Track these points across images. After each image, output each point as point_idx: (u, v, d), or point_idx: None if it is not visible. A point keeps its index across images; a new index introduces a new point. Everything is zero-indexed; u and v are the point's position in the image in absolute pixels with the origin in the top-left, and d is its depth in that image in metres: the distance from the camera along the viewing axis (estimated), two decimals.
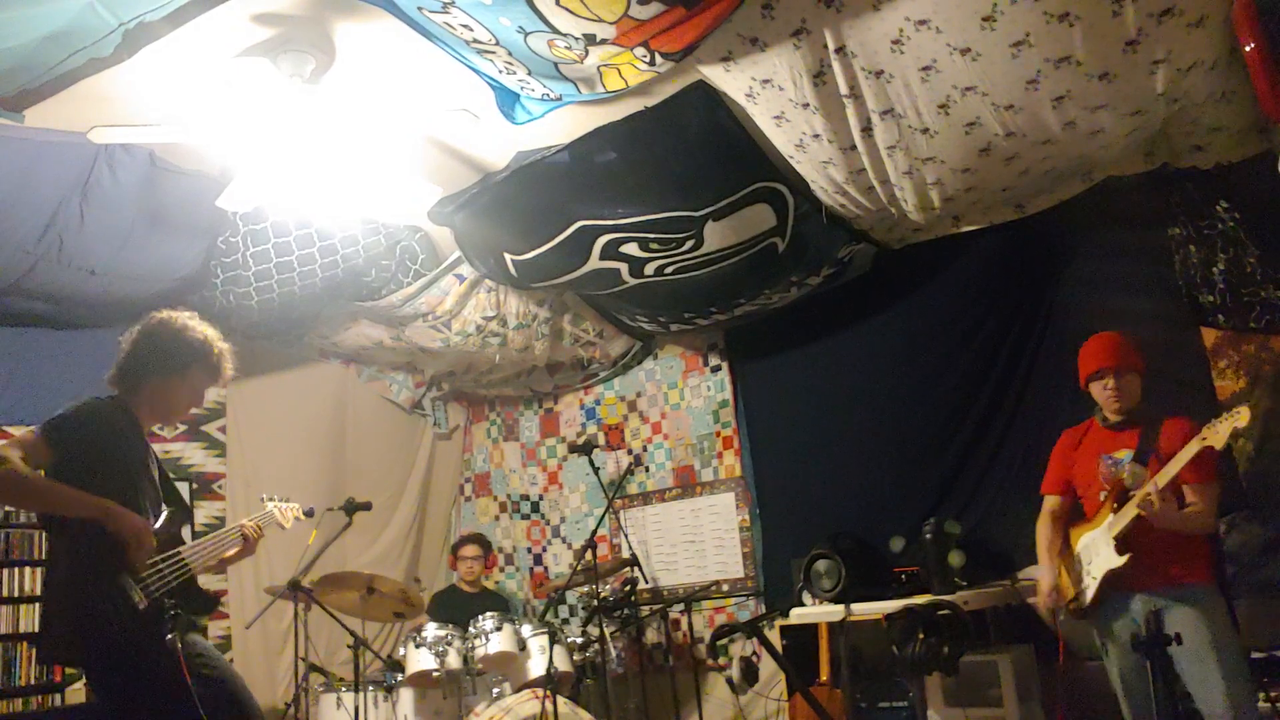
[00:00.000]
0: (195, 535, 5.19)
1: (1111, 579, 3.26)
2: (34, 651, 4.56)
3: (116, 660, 2.63)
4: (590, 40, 3.10)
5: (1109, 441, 3.45)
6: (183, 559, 2.83)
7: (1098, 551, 3.33)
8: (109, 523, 2.60)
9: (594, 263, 4.72)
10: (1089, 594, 3.33)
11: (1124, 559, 3.20)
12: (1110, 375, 3.41)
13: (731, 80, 3.52)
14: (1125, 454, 3.35)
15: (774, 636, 4.82)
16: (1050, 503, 3.63)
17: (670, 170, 4.10)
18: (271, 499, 3.53)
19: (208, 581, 4.49)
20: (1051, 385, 4.60)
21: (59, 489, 2.59)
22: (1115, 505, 3.29)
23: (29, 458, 2.60)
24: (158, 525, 2.81)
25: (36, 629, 4.59)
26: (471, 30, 3.11)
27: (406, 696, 4.62)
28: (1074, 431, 3.64)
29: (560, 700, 4.25)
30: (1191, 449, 3.08)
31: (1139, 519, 3.15)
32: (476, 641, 4.70)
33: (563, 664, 4.69)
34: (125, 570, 2.59)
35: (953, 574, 4.45)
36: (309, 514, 3.48)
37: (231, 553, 3.15)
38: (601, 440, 6.33)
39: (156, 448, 5.17)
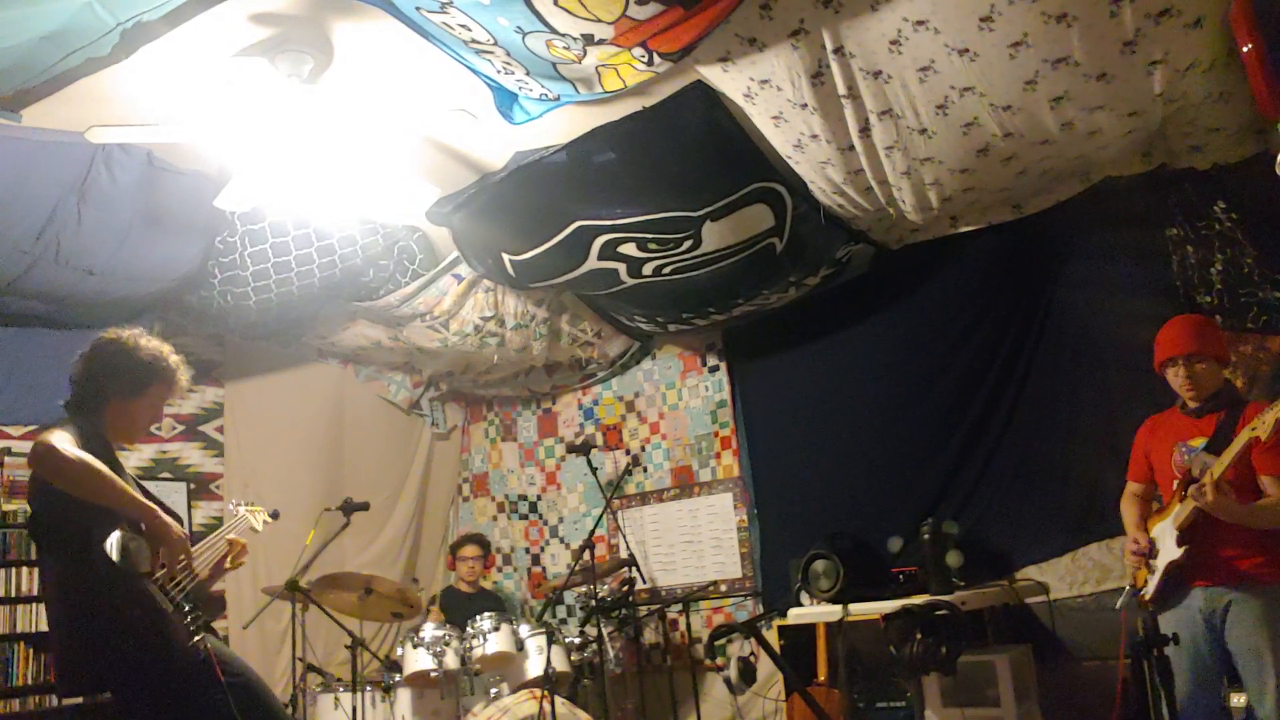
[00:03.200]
0: (191, 537, 5.21)
1: (1174, 571, 3.17)
2: (30, 651, 4.56)
3: (151, 670, 2.57)
4: (588, 40, 3.10)
5: (1186, 429, 3.29)
6: (191, 566, 2.82)
7: (1164, 543, 3.24)
8: (153, 525, 2.57)
9: (592, 263, 4.72)
10: (1152, 586, 3.24)
11: (1181, 551, 3.12)
12: (1181, 363, 3.26)
13: (730, 80, 3.53)
14: (1200, 442, 3.20)
15: (772, 637, 4.82)
16: (1131, 488, 3.51)
17: (668, 170, 4.10)
18: (239, 503, 3.49)
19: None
20: (1049, 385, 4.61)
21: (118, 482, 2.53)
22: (1182, 495, 3.16)
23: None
24: None
25: (35, 629, 4.59)
26: (470, 30, 3.11)
27: (404, 697, 4.62)
28: (1156, 417, 3.47)
29: (558, 700, 4.25)
30: (1242, 438, 2.99)
31: (1200, 511, 3.05)
32: (474, 642, 4.70)
33: (560, 664, 4.69)
34: (145, 576, 2.55)
35: (950, 574, 4.45)
36: (274, 516, 3.45)
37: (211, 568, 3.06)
38: (599, 440, 6.33)
39: (154, 447, 5.26)
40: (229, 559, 3.04)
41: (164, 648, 2.54)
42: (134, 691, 2.64)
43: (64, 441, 2.51)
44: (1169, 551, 3.20)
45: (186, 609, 2.63)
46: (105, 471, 2.53)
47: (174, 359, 2.97)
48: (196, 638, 2.57)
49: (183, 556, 2.64)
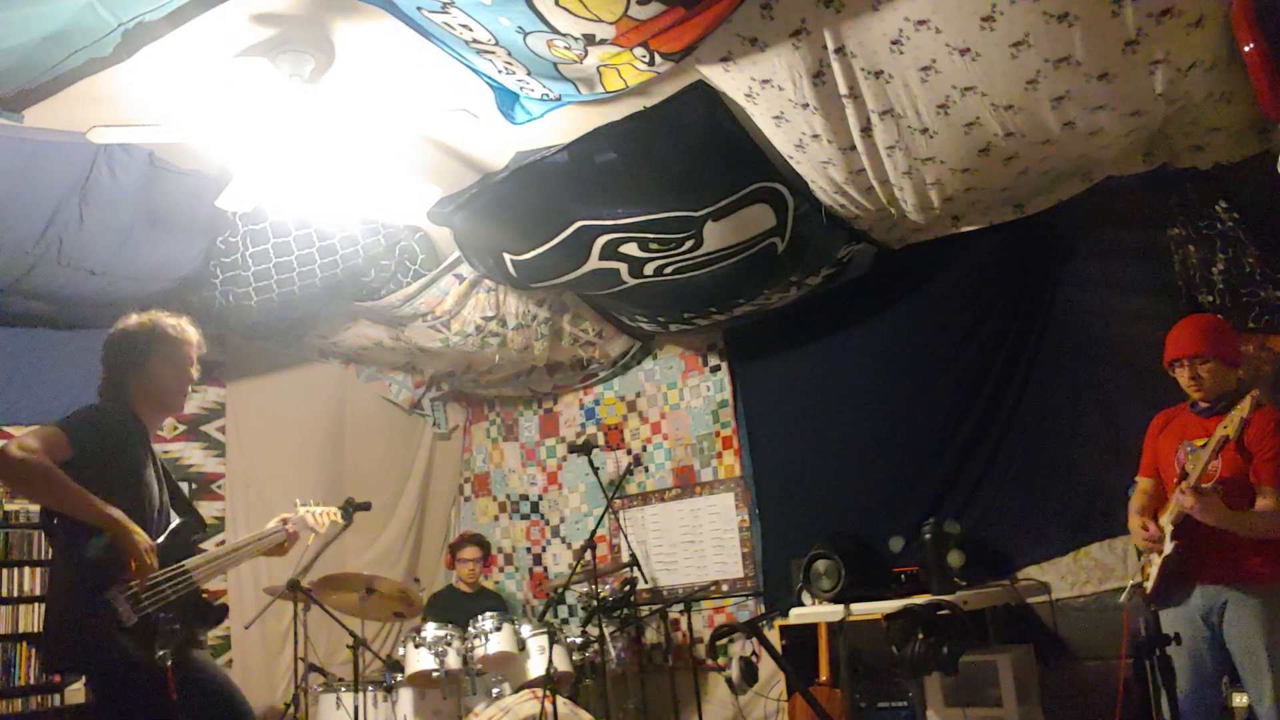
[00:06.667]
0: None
1: (1170, 566, 3.16)
2: (33, 651, 4.57)
3: (106, 673, 2.64)
4: (590, 40, 3.10)
5: (1193, 427, 3.29)
6: (187, 572, 2.81)
7: (1161, 541, 3.23)
8: (116, 535, 2.58)
9: (593, 263, 4.71)
10: (1150, 582, 3.24)
11: (1172, 545, 3.12)
12: (1186, 364, 3.26)
13: (731, 80, 3.52)
14: (1204, 441, 3.18)
15: (773, 636, 4.83)
16: (1142, 484, 3.48)
17: (669, 170, 4.10)
18: (305, 503, 3.57)
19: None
20: (1050, 385, 4.61)
21: (77, 491, 2.56)
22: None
23: (50, 452, 2.56)
24: (161, 539, 2.78)
25: (37, 629, 4.60)
26: (471, 30, 3.11)
27: (406, 697, 4.62)
28: (1165, 414, 3.44)
29: (560, 700, 4.25)
30: (1216, 438, 3.02)
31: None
32: (476, 642, 4.70)
33: (562, 664, 4.69)
34: (118, 584, 2.56)
35: (952, 574, 4.45)
36: (347, 517, 3.52)
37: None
38: (601, 440, 6.33)
39: (155, 447, 5.24)
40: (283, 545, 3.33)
41: (115, 659, 2.56)
42: (96, 692, 2.76)
43: (26, 449, 2.51)
44: (1166, 546, 3.21)
45: (160, 619, 2.61)
46: (60, 482, 2.54)
47: (170, 320, 3.04)
48: (160, 653, 2.54)
49: (145, 568, 2.62)
